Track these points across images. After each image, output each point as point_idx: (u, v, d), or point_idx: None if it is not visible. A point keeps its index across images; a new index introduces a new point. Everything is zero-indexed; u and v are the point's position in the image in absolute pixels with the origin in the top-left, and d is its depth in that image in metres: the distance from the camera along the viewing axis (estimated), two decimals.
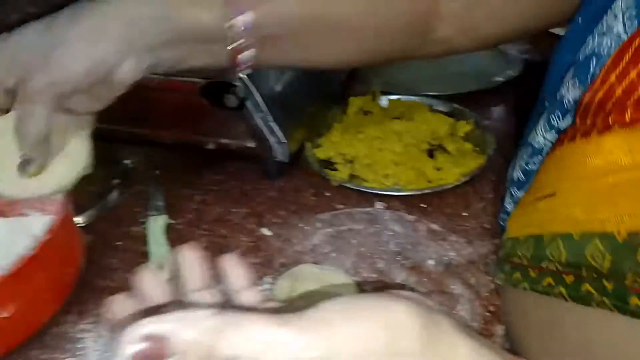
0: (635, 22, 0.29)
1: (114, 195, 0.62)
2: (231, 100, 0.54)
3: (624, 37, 0.29)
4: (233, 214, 0.58)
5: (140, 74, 0.36)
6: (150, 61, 0.36)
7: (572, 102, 0.34)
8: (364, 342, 0.19)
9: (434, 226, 0.52)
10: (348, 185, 0.58)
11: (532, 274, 0.35)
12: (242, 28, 0.34)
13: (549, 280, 0.33)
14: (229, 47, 0.35)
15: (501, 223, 0.47)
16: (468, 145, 0.62)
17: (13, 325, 0.41)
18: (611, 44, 0.30)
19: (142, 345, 0.17)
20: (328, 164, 0.63)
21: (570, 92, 0.34)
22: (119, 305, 0.29)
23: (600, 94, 0.30)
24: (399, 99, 0.72)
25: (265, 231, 0.55)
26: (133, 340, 0.17)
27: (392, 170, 0.60)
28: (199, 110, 0.59)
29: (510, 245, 0.40)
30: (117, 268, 0.52)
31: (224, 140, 0.61)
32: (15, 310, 0.41)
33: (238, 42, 0.35)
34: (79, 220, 0.58)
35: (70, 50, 0.33)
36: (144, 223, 0.57)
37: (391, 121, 0.67)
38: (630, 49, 0.29)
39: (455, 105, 0.69)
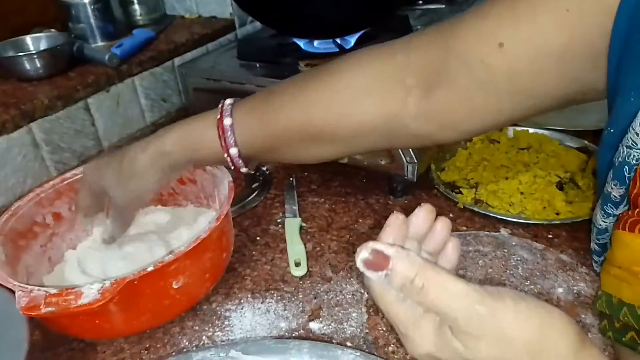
0: None
1: (254, 196, 0.70)
2: None
3: None
4: (359, 224, 0.63)
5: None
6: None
7: (618, 198, 0.37)
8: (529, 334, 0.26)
9: (563, 257, 0.52)
10: (474, 208, 0.60)
11: (617, 325, 0.37)
12: (236, 156, 0.48)
13: (632, 334, 0.35)
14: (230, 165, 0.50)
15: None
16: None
17: (180, 296, 0.49)
18: (636, 155, 0.34)
19: (370, 255, 0.27)
20: (451, 187, 0.66)
21: (614, 190, 0.37)
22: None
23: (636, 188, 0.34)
24: (526, 130, 0.73)
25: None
26: (366, 250, 0.27)
27: (518, 199, 0.61)
28: None
29: (626, 311, 0.40)
30: (258, 260, 0.59)
31: (358, 156, 0.66)
32: (183, 284, 0.48)
33: (237, 163, 0.49)
34: None
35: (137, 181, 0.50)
36: (280, 223, 0.64)
37: (518, 152, 0.68)
38: None
39: (586, 142, 0.69)
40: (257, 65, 0.71)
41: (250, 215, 0.66)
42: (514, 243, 0.55)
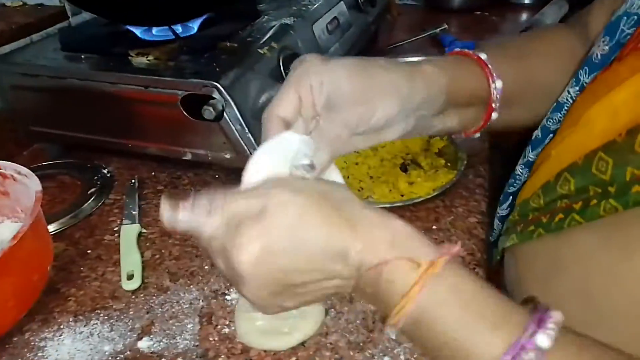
0: None
1: (90, 204, 0.62)
2: (209, 113, 0.55)
3: None
4: None
5: None
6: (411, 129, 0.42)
7: (599, 57, 0.40)
8: None
9: None
10: None
11: (545, 219, 0.41)
12: (497, 94, 0.42)
13: (560, 216, 0.38)
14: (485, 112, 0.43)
15: (508, 190, 0.52)
16: (441, 161, 0.63)
17: None
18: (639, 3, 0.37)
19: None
20: None
21: (599, 48, 0.40)
22: None
23: (629, 47, 0.37)
24: None
25: None
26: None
27: (367, 184, 0.61)
28: (178, 122, 0.59)
29: (520, 208, 0.46)
30: (86, 276, 0.52)
31: (202, 151, 0.61)
32: None
33: (495, 105, 0.43)
34: (52, 227, 0.58)
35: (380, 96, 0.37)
36: (117, 232, 0.58)
37: None
38: None
39: None
40: (82, 57, 0.63)
41: (83, 225, 0.59)
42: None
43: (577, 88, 0.43)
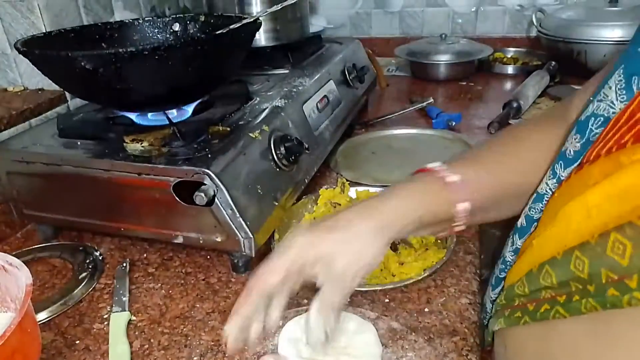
0: (623, 92, 0.39)
1: (80, 289, 0.62)
2: (200, 199, 0.56)
3: (615, 101, 0.39)
4: (196, 310, 0.58)
5: None
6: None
7: (572, 154, 0.42)
8: None
9: (395, 324, 0.52)
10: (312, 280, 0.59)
11: (530, 307, 0.42)
12: (463, 214, 0.47)
13: (545, 306, 0.39)
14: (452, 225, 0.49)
15: (500, 275, 0.53)
16: (431, 239, 0.64)
17: None
18: (606, 108, 0.40)
19: None
20: None
21: (572, 145, 0.43)
22: None
23: (599, 146, 0.39)
24: (367, 190, 0.74)
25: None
26: None
27: None
28: (169, 206, 0.60)
29: (507, 292, 0.48)
30: None
31: (193, 235, 0.62)
32: None
33: (458, 223, 0.48)
34: (41, 316, 0.58)
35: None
36: (106, 320, 0.57)
37: None
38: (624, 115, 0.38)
39: None
40: (78, 142, 0.65)
41: (72, 312, 0.59)
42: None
43: (555, 180, 0.45)
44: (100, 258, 0.68)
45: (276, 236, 0.66)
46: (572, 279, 0.37)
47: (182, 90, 0.67)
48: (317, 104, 0.82)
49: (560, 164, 0.44)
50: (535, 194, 0.47)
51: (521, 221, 0.49)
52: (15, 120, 0.75)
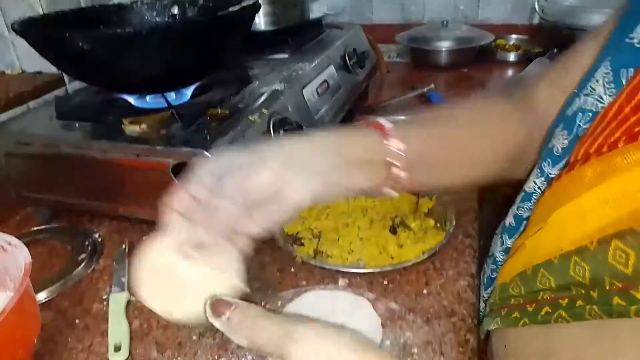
0: (612, 84, 0.37)
1: (79, 270, 0.62)
2: None
3: (603, 95, 0.38)
4: None
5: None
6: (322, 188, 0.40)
7: (560, 151, 0.41)
8: None
9: (393, 305, 0.52)
10: (311, 262, 0.59)
11: (530, 308, 0.40)
12: (402, 154, 0.42)
13: (547, 309, 0.38)
14: (387, 170, 0.43)
15: (492, 276, 0.52)
16: (430, 222, 0.64)
17: None
18: (594, 102, 0.38)
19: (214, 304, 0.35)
20: (294, 239, 0.64)
21: (559, 142, 0.41)
22: None
23: (587, 142, 0.37)
24: None
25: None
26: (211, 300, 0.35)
27: (357, 246, 0.61)
28: (168, 187, 0.60)
29: (500, 291, 0.46)
30: (73, 348, 0.51)
31: None
32: None
33: (394, 166, 0.42)
34: (41, 296, 0.58)
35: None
36: (106, 300, 0.57)
37: (356, 198, 0.68)
38: (612, 109, 0.36)
39: None
40: (77, 125, 0.65)
41: (71, 293, 0.59)
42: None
43: (543, 179, 0.43)
44: (99, 240, 0.68)
45: None
46: (572, 283, 0.35)
47: (181, 73, 0.67)
48: (316, 89, 0.82)
49: (548, 161, 0.42)
50: (523, 193, 0.46)
51: (509, 220, 0.48)
52: (13, 102, 0.75)
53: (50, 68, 0.83)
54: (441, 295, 0.54)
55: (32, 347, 0.48)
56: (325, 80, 0.86)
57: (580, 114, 0.39)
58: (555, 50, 1.22)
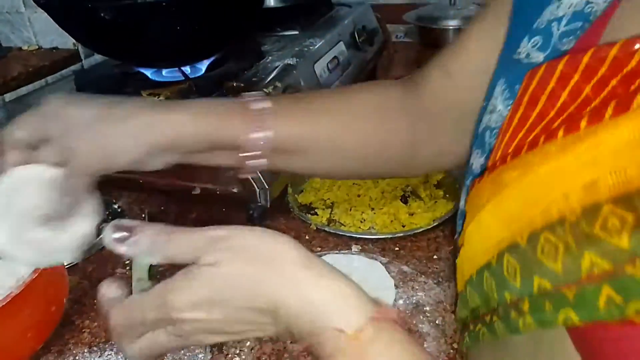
0: (510, 101, 0.36)
1: (102, 238, 0.64)
2: None
3: (504, 112, 0.37)
4: None
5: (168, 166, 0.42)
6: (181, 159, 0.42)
7: (479, 168, 0.39)
8: None
9: (405, 268, 0.54)
10: (326, 228, 0.61)
11: (476, 327, 0.38)
12: (260, 142, 0.42)
13: (479, 327, 0.36)
14: (242, 155, 0.42)
15: None
16: (440, 192, 0.66)
17: None
18: (497, 119, 0.37)
19: (116, 232, 0.32)
20: (308, 209, 0.66)
21: (476, 160, 0.40)
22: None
23: (499, 152, 0.36)
24: None
25: None
26: (110, 229, 0.32)
27: (369, 215, 0.63)
28: None
29: (462, 306, 0.43)
30: (99, 308, 0.54)
31: (210, 186, 0.64)
32: None
33: (253, 153, 0.42)
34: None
35: (121, 145, 0.38)
36: (128, 265, 0.60)
37: None
38: (513, 120, 0.35)
39: None
40: None
41: (95, 259, 0.61)
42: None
43: (465, 196, 0.42)
44: (119, 210, 0.70)
45: (289, 190, 0.68)
46: (487, 298, 0.34)
47: (197, 44, 0.68)
48: (327, 64, 0.83)
49: (470, 178, 0.41)
50: (459, 211, 0.44)
51: (456, 238, 0.45)
52: (32, 77, 0.77)
53: (66, 44, 0.85)
54: (451, 261, 0.56)
55: (62, 305, 0.51)
56: (335, 57, 0.87)
57: (488, 131, 0.39)
58: None
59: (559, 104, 0.31)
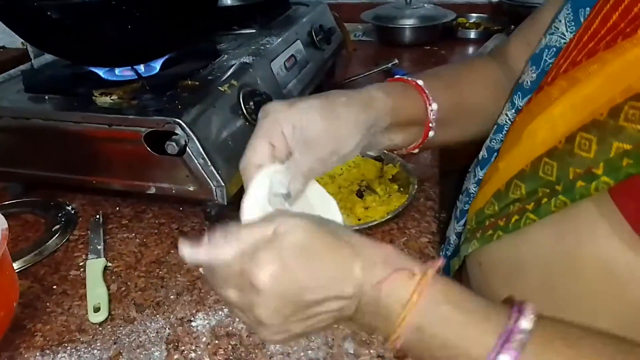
0: (572, 23, 0.44)
1: (54, 240, 0.63)
2: (172, 148, 0.58)
3: (567, 34, 0.44)
4: (172, 255, 0.60)
5: None
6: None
7: (529, 84, 0.47)
8: None
9: None
10: None
11: (501, 223, 0.46)
12: (433, 116, 0.48)
13: (516, 217, 0.43)
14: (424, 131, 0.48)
15: (464, 207, 0.57)
16: (394, 186, 0.68)
17: None
18: (558, 39, 0.45)
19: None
20: None
21: (528, 76, 0.47)
22: None
23: (553, 72, 0.43)
24: None
25: (202, 270, 0.57)
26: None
27: None
28: (141, 157, 0.62)
29: (476, 217, 0.51)
30: (52, 311, 0.53)
31: (165, 185, 0.63)
32: None
33: (432, 125, 0.48)
34: (16, 265, 0.59)
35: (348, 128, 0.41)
36: (82, 267, 0.59)
37: None
38: (572, 43, 0.42)
39: (385, 151, 0.75)
40: (46, 97, 0.65)
41: (47, 262, 0.60)
42: None
43: (514, 111, 0.49)
44: (73, 212, 0.69)
45: None
46: (540, 185, 0.41)
47: (150, 43, 0.68)
48: (284, 62, 0.84)
49: (519, 94, 0.48)
50: (496, 125, 0.51)
51: (482, 153, 0.53)
52: None
53: (14, 43, 0.82)
54: (405, 252, 0.58)
55: (12, 310, 0.50)
56: (292, 55, 0.88)
57: (546, 50, 0.46)
58: (513, 27, 1.27)
59: (630, 16, 0.36)
